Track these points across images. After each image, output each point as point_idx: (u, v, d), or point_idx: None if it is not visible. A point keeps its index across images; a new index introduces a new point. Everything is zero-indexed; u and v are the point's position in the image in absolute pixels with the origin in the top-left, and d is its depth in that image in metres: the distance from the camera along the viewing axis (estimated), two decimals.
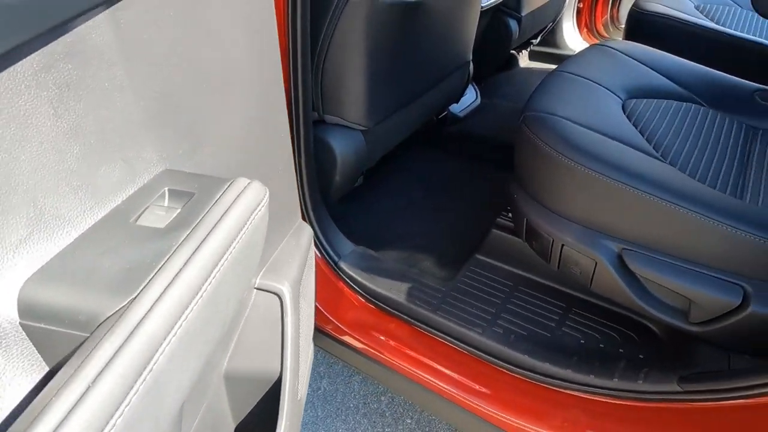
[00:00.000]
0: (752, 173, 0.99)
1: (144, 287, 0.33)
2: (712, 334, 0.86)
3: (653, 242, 0.89)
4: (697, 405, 0.81)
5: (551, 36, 2.47)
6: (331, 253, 1.21)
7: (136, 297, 0.32)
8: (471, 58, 1.58)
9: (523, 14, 1.87)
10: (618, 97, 1.13)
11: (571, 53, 2.44)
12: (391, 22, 1.09)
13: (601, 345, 1.03)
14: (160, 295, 0.32)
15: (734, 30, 1.56)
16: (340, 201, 1.47)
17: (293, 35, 0.89)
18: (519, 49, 2.44)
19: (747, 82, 1.22)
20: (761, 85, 1.21)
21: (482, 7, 1.62)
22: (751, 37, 1.56)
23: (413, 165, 1.73)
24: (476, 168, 1.72)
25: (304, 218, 1.13)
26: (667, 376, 0.87)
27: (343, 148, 1.20)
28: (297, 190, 0.84)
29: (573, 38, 2.50)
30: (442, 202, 1.55)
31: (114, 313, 0.32)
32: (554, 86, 1.10)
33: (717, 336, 0.86)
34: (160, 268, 0.34)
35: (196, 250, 0.37)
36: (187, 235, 0.38)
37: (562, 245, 0.98)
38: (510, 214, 1.23)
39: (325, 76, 1.12)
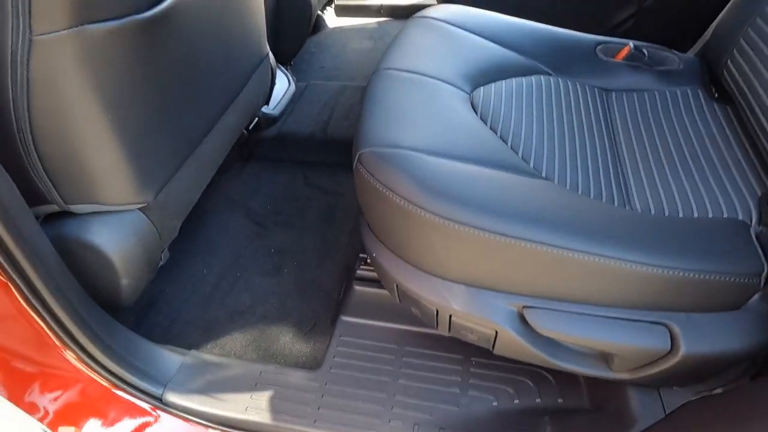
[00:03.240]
0: (626, 158, 0.85)
1: None
2: (641, 380, 0.72)
3: (557, 294, 0.70)
4: None
5: None
6: (150, 388, 0.85)
7: None
8: (268, 49, 1.23)
9: None
10: (463, 91, 0.89)
11: (375, 2, 2.17)
12: (130, 51, 0.70)
13: (516, 401, 0.86)
14: None
15: None
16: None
17: None
18: (323, 7, 2.10)
19: (588, 36, 1.06)
20: (602, 37, 1.06)
21: None
22: None
23: (234, 194, 1.36)
24: (311, 177, 1.41)
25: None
26: None
27: (115, 242, 0.81)
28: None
29: None
30: (282, 240, 1.24)
31: None
32: (387, 98, 0.83)
33: (647, 380, 0.72)
34: None
35: None
36: None
37: (450, 315, 0.75)
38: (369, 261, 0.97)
39: (47, 161, 0.71)
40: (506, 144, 0.82)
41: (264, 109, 1.44)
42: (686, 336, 0.66)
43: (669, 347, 0.67)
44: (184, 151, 0.90)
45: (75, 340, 0.75)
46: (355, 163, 0.76)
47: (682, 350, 0.66)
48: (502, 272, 0.70)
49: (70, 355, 0.77)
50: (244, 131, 1.34)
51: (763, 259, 0.66)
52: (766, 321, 0.67)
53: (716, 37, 0.99)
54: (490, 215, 0.67)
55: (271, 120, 1.49)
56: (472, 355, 0.92)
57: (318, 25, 2.08)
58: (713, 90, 0.97)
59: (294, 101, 1.58)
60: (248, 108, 1.16)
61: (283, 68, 1.66)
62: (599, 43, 1.05)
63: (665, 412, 0.75)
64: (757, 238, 0.69)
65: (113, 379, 0.82)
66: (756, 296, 0.67)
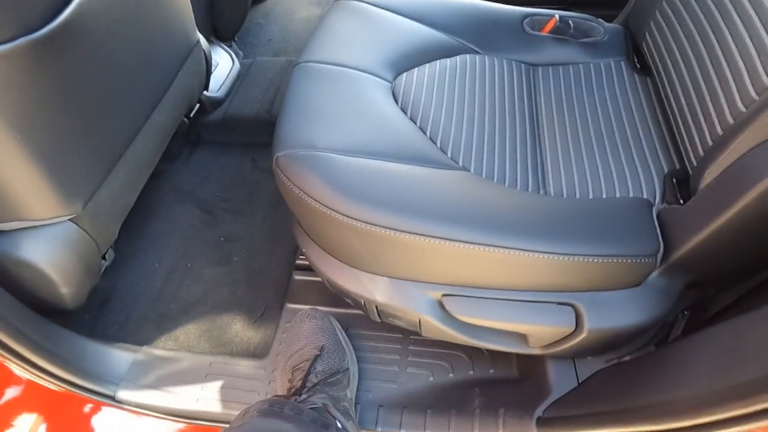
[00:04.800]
0: (545, 138, 0.87)
1: None
2: (555, 354, 0.77)
3: (472, 282, 0.74)
4: None
5: None
6: (102, 389, 0.89)
7: None
8: (198, 37, 1.20)
9: None
10: (385, 80, 0.90)
11: None
12: (27, 72, 0.69)
13: (450, 374, 0.92)
14: None
15: None
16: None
17: None
18: None
19: (515, 9, 1.05)
20: (529, 9, 1.05)
21: None
22: None
23: (182, 183, 1.37)
24: (259, 161, 1.41)
25: None
26: (523, 418, 0.78)
27: (47, 255, 0.83)
28: None
29: None
30: (231, 227, 1.25)
31: None
32: (306, 95, 0.83)
33: (561, 354, 0.77)
34: None
35: None
36: None
37: (376, 305, 0.79)
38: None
39: None
40: (425, 134, 0.83)
41: (207, 92, 1.42)
42: (590, 314, 0.71)
43: (574, 326, 0.71)
44: (110, 158, 0.90)
45: (16, 353, 0.78)
46: (273, 166, 0.77)
47: (587, 327, 0.71)
48: (419, 266, 0.74)
49: (14, 367, 0.80)
50: (184, 119, 1.32)
51: (660, 238, 0.70)
52: (663, 295, 0.72)
53: (637, 5, 0.99)
54: (401, 215, 0.69)
55: (216, 103, 1.47)
56: (411, 333, 0.97)
57: None
58: (635, 61, 0.98)
59: (239, 81, 1.55)
60: (181, 101, 1.14)
61: (225, 46, 1.62)
62: (526, 15, 1.05)
63: (578, 381, 0.80)
64: (657, 216, 0.73)
65: (64, 385, 0.85)
66: (654, 273, 0.71)
